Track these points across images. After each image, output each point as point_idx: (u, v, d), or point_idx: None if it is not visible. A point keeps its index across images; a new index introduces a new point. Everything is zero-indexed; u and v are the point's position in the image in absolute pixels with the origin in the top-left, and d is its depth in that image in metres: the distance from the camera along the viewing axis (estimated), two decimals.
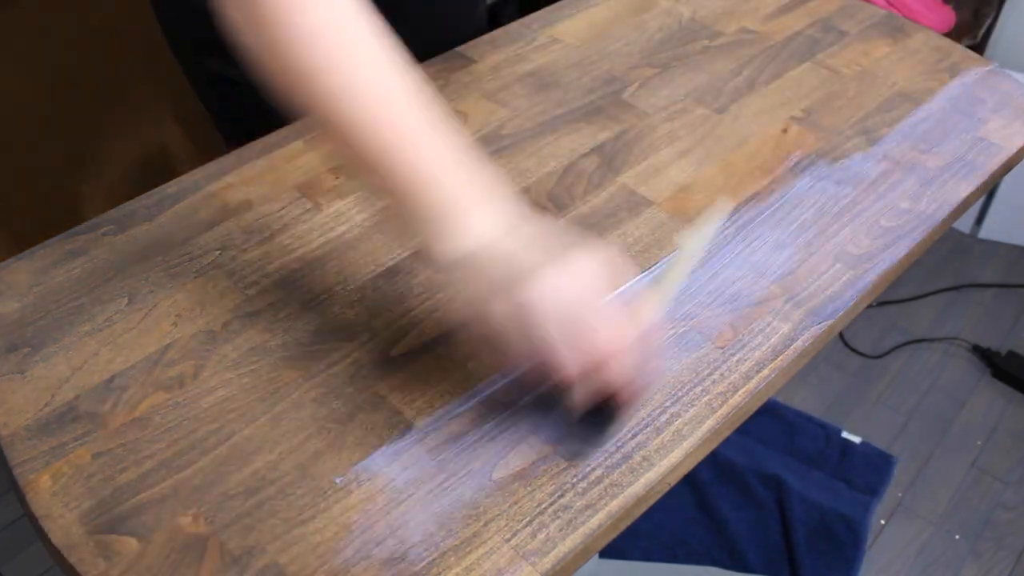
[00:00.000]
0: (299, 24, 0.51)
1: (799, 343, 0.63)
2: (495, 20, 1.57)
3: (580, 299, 0.50)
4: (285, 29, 0.51)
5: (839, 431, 1.51)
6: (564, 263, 0.50)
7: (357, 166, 0.55)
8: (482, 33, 0.95)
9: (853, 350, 1.66)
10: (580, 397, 0.52)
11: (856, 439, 1.50)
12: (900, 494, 1.44)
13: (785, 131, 0.81)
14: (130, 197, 0.74)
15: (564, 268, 0.50)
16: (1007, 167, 0.80)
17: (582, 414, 0.55)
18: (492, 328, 0.51)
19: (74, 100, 1.47)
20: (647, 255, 0.69)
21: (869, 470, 1.46)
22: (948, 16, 1.64)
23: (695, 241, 0.60)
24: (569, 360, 0.50)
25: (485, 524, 0.53)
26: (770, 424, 1.51)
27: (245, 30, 0.53)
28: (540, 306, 0.49)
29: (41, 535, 0.53)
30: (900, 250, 0.70)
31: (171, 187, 0.75)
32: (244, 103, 0.84)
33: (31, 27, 1.37)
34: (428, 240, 0.53)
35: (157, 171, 1.61)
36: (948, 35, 1.44)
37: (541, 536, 0.52)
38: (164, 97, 1.57)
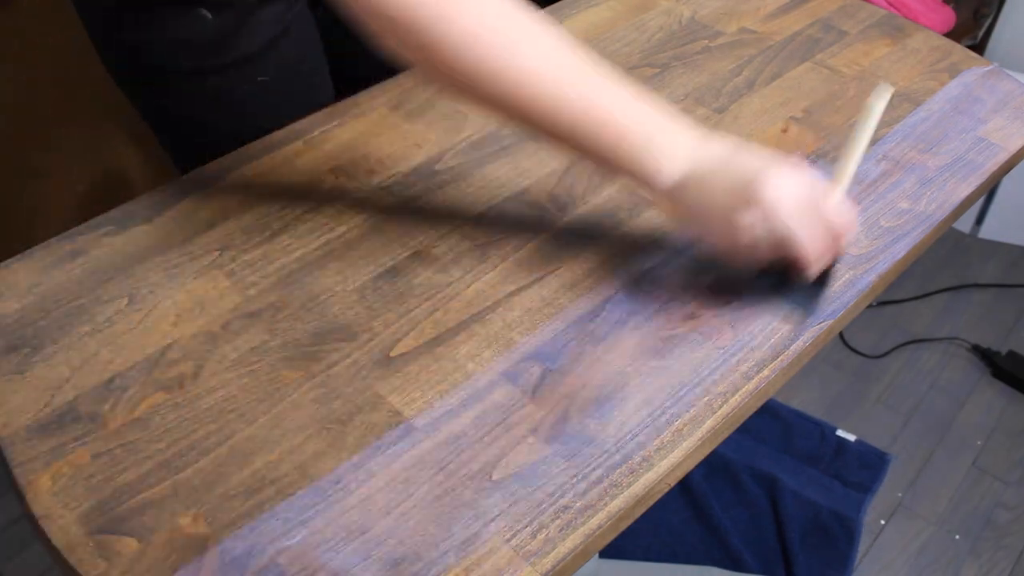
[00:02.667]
0: (456, 32, 0.54)
1: (799, 343, 0.63)
2: None
3: (810, 190, 0.58)
4: (442, 39, 0.54)
5: (834, 429, 1.51)
6: (777, 162, 0.57)
7: (561, 142, 0.60)
8: None
9: (853, 350, 1.66)
10: (817, 271, 0.60)
11: (851, 437, 1.50)
12: (900, 494, 1.44)
13: (785, 131, 0.81)
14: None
15: (781, 167, 0.57)
16: (1007, 167, 0.80)
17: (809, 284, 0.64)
18: (740, 234, 0.58)
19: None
20: (647, 255, 0.69)
21: (863, 467, 1.46)
22: (948, 16, 1.64)
23: (865, 123, 0.64)
24: (813, 244, 0.58)
25: (485, 524, 0.53)
26: (766, 422, 1.51)
27: (389, 38, 0.56)
28: (782, 202, 0.56)
29: (41, 535, 0.53)
30: (900, 250, 0.70)
31: (171, 187, 0.75)
32: (198, 139, 0.83)
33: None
34: (647, 174, 0.59)
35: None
36: (948, 35, 1.44)
37: (541, 536, 0.52)
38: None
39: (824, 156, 0.79)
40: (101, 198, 1.59)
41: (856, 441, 1.49)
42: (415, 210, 0.73)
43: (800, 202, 0.57)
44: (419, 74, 0.58)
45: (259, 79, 0.81)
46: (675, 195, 0.60)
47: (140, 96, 0.84)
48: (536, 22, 0.57)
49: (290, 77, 0.83)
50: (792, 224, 0.57)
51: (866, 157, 0.78)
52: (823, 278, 0.65)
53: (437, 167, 0.77)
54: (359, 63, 0.84)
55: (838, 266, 0.66)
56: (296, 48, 0.83)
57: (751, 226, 0.57)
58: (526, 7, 0.57)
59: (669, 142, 0.59)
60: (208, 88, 0.79)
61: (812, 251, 0.58)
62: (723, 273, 0.68)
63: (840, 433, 1.50)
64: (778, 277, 0.64)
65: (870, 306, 1.43)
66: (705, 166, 0.59)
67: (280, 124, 0.81)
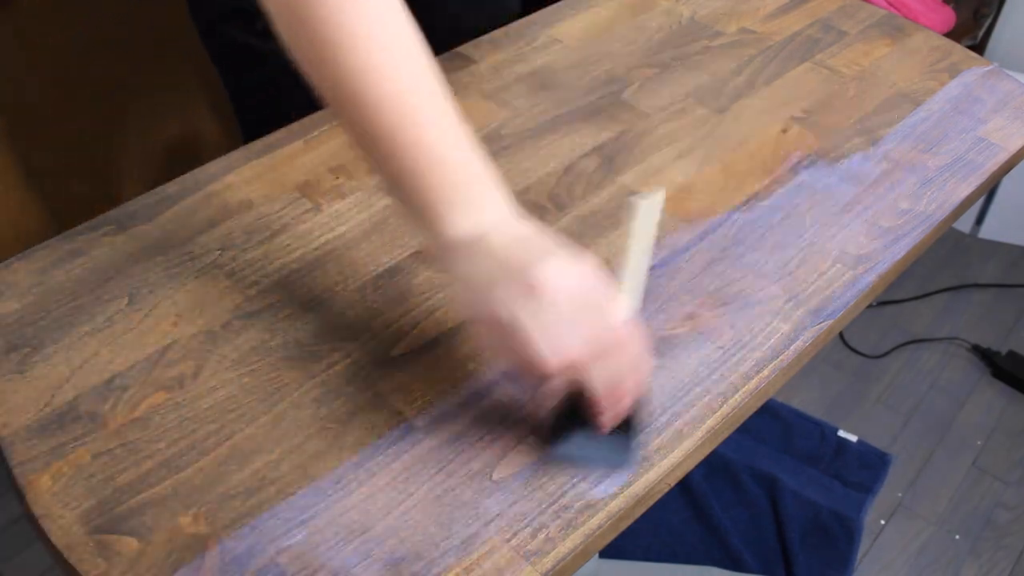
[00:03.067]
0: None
1: (799, 343, 0.63)
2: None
3: (592, 285, 0.49)
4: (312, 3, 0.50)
5: (835, 430, 1.51)
6: (572, 253, 0.50)
7: (369, 147, 0.53)
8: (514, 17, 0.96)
9: (853, 350, 1.66)
10: (597, 384, 0.50)
11: (852, 437, 1.50)
12: (900, 494, 1.44)
13: (785, 131, 0.81)
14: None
15: (574, 257, 0.50)
16: (1007, 167, 0.80)
17: (601, 434, 0.54)
18: (499, 314, 0.49)
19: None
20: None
21: (864, 468, 1.46)
22: (948, 16, 1.64)
23: (641, 227, 0.55)
24: (580, 344, 0.48)
25: (485, 524, 0.53)
26: (766, 422, 1.51)
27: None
28: (553, 287, 0.48)
29: (41, 535, 0.53)
30: (900, 250, 0.70)
31: (171, 187, 0.75)
32: (265, 77, 0.84)
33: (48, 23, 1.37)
34: (436, 221, 0.51)
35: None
36: (948, 35, 1.44)
37: (541, 536, 0.52)
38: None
39: (824, 156, 0.79)
40: (103, 198, 1.59)
41: (857, 441, 1.49)
42: None
43: (575, 294, 0.49)
44: (279, 24, 0.53)
45: None
46: (453, 251, 0.51)
47: (213, 28, 0.85)
48: (412, 36, 0.52)
49: None
50: (561, 314, 0.48)
51: (866, 157, 0.79)
52: (628, 424, 0.55)
53: None
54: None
55: (645, 411, 0.57)
56: None
57: (509, 303, 0.48)
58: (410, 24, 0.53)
59: (480, 197, 0.52)
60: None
61: (580, 351, 0.48)
62: (724, 274, 0.68)
63: (841, 434, 1.50)
64: (577, 429, 0.55)
65: (870, 306, 1.43)
66: (497, 239, 0.50)
67: None
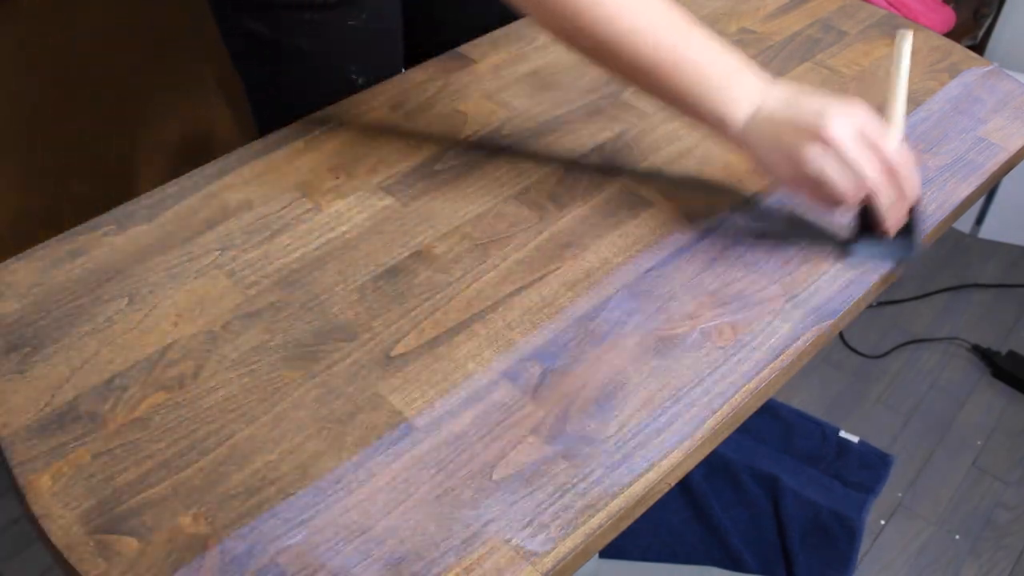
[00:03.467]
0: None
1: (799, 343, 0.63)
2: None
3: (870, 124, 0.62)
4: None
5: (837, 430, 1.51)
6: (839, 101, 0.62)
7: (640, 78, 0.66)
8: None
9: (853, 350, 1.66)
10: (885, 201, 0.64)
11: (854, 438, 1.50)
12: (900, 494, 1.44)
13: None
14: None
15: (843, 104, 0.62)
16: (1007, 167, 0.80)
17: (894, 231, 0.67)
18: (806, 168, 0.62)
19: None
20: (647, 255, 0.69)
21: (865, 468, 1.46)
22: (948, 16, 1.64)
23: (899, 66, 0.70)
24: (871, 175, 0.62)
25: (485, 524, 0.53)
26: (766, 422, 1.51)
27: None
28: (840, 135, 0.61)
29: (41, 535, 0.53)
30: None
31: (171, 187, 0.75)
32: (281, 69, 0.86)
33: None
34: (723, 120, 0.65)
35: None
36: (948, 35, 1.44)
37: (541, 536, 0.52)
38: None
39: None
40: (103, 198, 1.59)
41: (859, 442, 1.49)
42: (416, 210, 0.73)
43: (861, 138, 0.62)
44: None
45: (350, 23, 0.84)
46: (746, 135, 0.65)
47: (231, 20, 0.86)
48: None
49: (375, 29, 0.87)
50: (855, 156, 0.61)
51: None
52: (910, 224, 0.68)
53: (437, 167, 0.77)
54: (446, 28, 0.94)
55: (920, 214, 0.69)
56: (386, 2, 0.88)
57: (815, 159, 0.62)
58: None
59: (740, 84, 0.65)
60: (304, 21, 0.83)
61: (878, 183, 0.62)
62: (724, 274, 0.68)
63: (843, 434, 1.50)
64: (863, 230, 0.69)
65: (870, 306, 1.43)
66: (772, 105, 0.64)
67: (349, 78, 0.86)
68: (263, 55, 0.86)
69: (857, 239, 0.69)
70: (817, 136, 0.61)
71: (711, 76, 0.64)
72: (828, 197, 0.64)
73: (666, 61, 0.64)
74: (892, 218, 0.65)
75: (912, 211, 0.67)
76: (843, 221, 0.70)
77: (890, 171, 0.63)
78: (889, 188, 0.63)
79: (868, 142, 0.62)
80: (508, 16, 0.94)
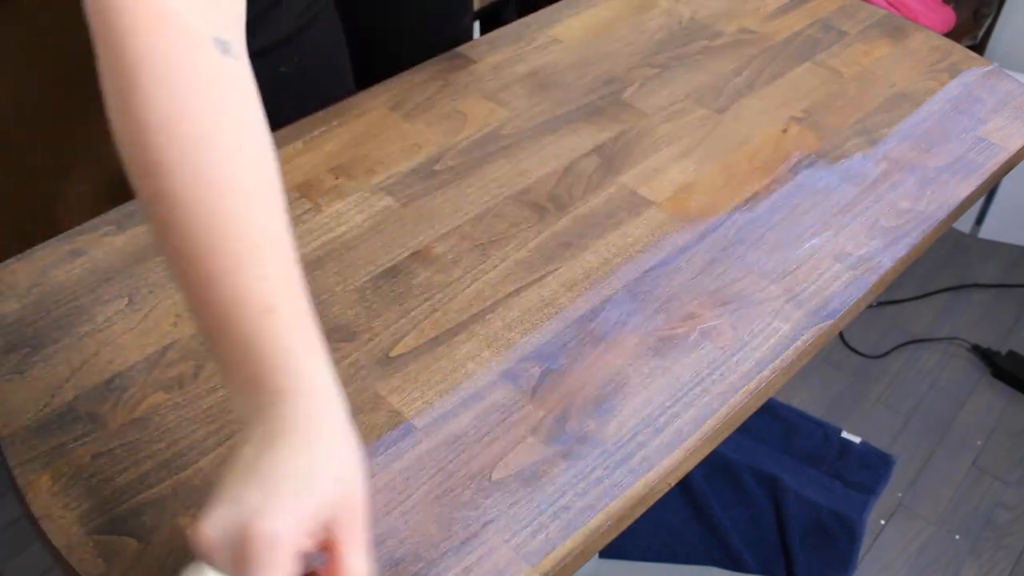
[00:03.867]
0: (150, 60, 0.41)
1: (799, 343, 0.63)
2: (496, 20, 1.56)
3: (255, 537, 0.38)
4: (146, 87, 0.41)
5: (838, 431, 1.51)
6: (275, 493, 0.39)
7: (185, 277, 0.43)
8: (467, 38, 0.96)
9: (853, 350, 1.66)
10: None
11: (856, 439, 1.50)
12: (900, 494, 1.44)
13: (785, 131, 0.81)
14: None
15: (298, 511, 0.39)
16: (1007, 167, 0.80)
17: None
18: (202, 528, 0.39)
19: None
20: (647, 255, 0.69)
21: (866, 469, 1.46)
22: (948, 16, 1.64)
23: None
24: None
25: (485, 524, 0.53)
26: (767, 422, 1.51)
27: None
28: (211, 533, 0.39)
29: (41, 535, 0.53)
30: (900, 250, 0.70)
31: None
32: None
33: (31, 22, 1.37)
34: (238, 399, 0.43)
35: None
36: (948, 35, 1.44)
37: (541, 536, 0.52)
38: None
39: (824, 156, 0.79)
40: (106, 197, 1.59)
41: (861, 443, 1.49)
42: (415, 210, 0.73)
43: (230, 543, 0.38)
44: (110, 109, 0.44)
45: (281, 70, 0.80)
46: (253, 412, 0.43)
47: None
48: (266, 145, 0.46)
49: (315, 66, 0.84)
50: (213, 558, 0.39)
51: (866, 157, 0.79)
52: None
53: (437, 167, 0.77)
54: (394, 39, 0.87)
55: None
56: (322, 37, 0.83)
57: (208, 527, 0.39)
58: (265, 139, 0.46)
59: (304, 372, 0.44)
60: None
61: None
62: (724, 274, 0.68)
63: (845, 435, 1.50)
64: None
65: (870, 306, 1.43)
66: (268, 432, 0.41)
67: (293, 118, 0.81)
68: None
69: None
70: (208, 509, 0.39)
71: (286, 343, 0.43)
72: None
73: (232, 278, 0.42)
74: None
75: None
76: None
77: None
78: None
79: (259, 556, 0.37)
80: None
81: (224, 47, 0.44)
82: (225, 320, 0.42)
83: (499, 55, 0.90)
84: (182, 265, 0.43)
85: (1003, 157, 0.79)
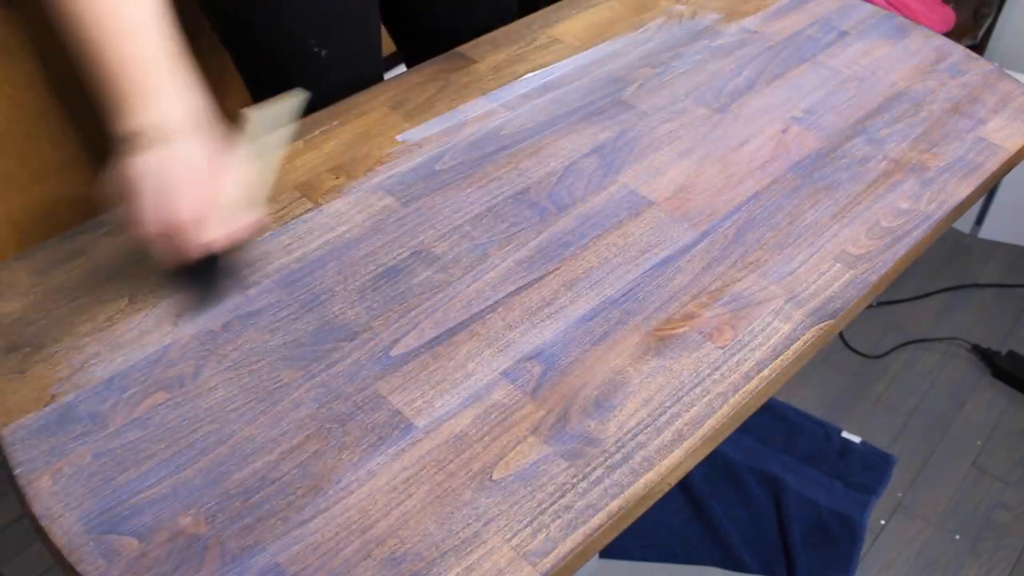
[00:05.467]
0: None
1: (799, 343, 0.63)
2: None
3: (173, 173, 0.59)
4: None
5: (839, 431, 1.51)
6: (171, 146, 0.59)
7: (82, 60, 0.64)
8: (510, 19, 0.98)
9: (853, 350, 1.66)
10: (163, 253, 0.61)
11: (856, 439, 1.50)
12: (900, 494, 1.44)
13: (785, 131, 0.81)
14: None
15: (169, 148, 0.59)
16: (1007, 167, 0.80)
17: (185, 273, 0.64)
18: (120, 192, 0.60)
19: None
20: (647, 255, 0.69)
21: (867, 469, 1.46)
22: (948, 16, 1.64)
23: (274, 133, 0.66)
24: (149, 220, 0.59)
25: (485, 524, 0.53)
26: (767, 422, 1.51)
27: None
28: (137, 171, 0.58)
29: (41, 535, 0.53)
30: (900, 250, 0.70)
31: None
32: (257, 46, 0.86)
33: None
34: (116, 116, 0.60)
35: None
36: (948, 35, 1.44)
37: (541, 536, 0.52)
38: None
39: (824, 156, 0.79)
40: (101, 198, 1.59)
41: (861, 443, 1.49)
42: (415, 210, 0.73)
43: (154, 179, 0.58)
44: None
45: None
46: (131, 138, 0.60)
47: (209, 5, 0.85)
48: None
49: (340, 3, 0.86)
50: (141, 194, 0.58)
51: (866, 157, 0.79)
52: (209, 273, 0.64)
53: (437, 167, 0.77)
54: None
55: (230, 262, 0.65)
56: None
57: (119, 183, 0.59)
58: None
59: (160, 95, 0.61)
60: None
61: (149, 226, 0.59)
62: (724, 274, 0.68)
63: (845, 435, 1.50)
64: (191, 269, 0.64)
65: (870, 306, 1.43)
66: (146, 136, 0.59)
67: (311, 51, 0.84)
68: (237, 32, 0.86)
69: (181, 273, 0.64)
70: (122, 168, 0.59)
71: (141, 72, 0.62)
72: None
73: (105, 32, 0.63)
74: (161, 251, 0.61)
75: (213, 264, 0.64)
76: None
77: (176, 224, 0.59)
78: (166, 234, 0.59)
79: (164, 191, 0.58)
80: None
81: None
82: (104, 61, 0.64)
83: (499, 55, 0.90)
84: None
85: (1003, 157, 0.79)
